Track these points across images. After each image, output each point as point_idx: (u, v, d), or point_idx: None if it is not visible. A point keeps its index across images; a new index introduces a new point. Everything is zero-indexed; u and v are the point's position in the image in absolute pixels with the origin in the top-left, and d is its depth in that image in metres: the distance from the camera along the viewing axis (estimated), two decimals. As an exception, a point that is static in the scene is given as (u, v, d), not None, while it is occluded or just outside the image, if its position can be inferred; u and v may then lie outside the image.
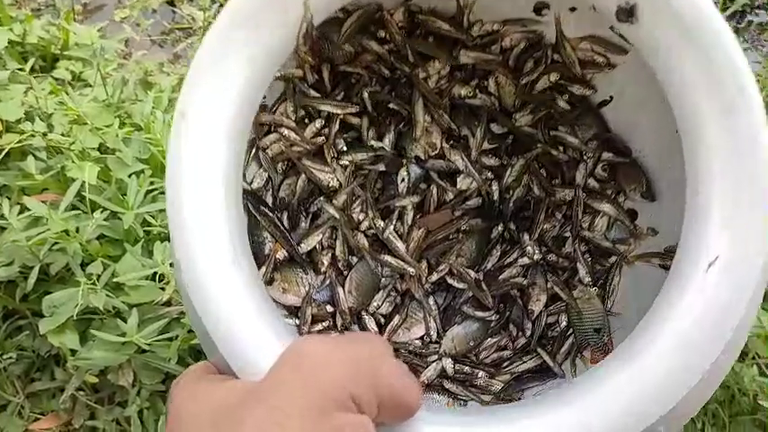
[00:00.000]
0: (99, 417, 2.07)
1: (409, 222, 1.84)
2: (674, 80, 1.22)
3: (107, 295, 1.94)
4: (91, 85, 2.44)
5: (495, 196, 1.86)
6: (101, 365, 1.98)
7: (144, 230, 2.03)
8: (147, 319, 1.95)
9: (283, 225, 1.85)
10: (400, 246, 1.83)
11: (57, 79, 2.48)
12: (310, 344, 0.90)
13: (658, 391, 1.07)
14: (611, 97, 1.85)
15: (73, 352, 1.95)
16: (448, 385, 1.83)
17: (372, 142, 1.84)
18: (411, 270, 1.81)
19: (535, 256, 1.88)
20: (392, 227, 1.82)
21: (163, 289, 1.95)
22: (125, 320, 1.96)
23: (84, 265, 2.02)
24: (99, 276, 1.97)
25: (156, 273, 1.91)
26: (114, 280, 1.96)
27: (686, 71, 1.18)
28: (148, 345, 1.89)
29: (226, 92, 1.27)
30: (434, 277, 1.85)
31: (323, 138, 1.86)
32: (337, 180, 1.86)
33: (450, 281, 1.84)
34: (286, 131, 1.83)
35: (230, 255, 1.24)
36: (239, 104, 1.30)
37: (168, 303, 1.96)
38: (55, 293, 1.93)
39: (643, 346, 1.14)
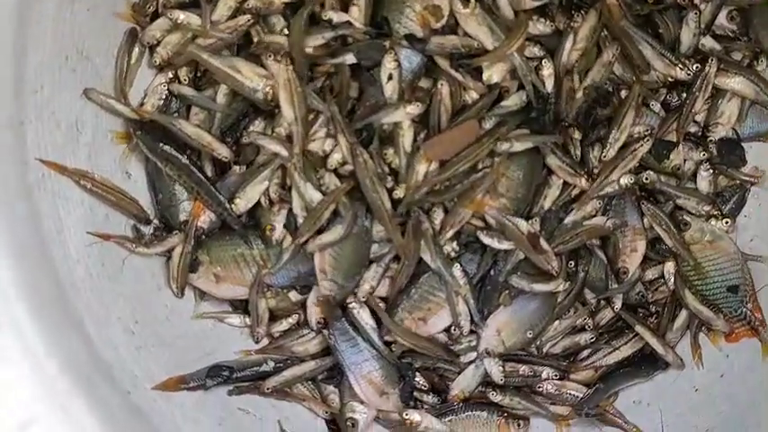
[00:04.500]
0: None
1: (407, 148, 1.20)
2: None
3: None
4: None
5: (549, 87, 1.22)
6: None
7: None
8: None
9: (203, 171, 1.24)
10: (385, 205, 1.19)
11: None
12: None
13: None
14: None
15: None
16: (497, 397, 1.28)
17: (332, 14, 1.18)
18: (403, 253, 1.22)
19: (622, 180, 1.24)
20: (371, 161, 1.18)
21: None
22: None
23: None
24: None
25: None
26: None
27: None
28: None
29: None
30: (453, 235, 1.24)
31: (248, 17, 1.19)
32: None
33: (485, 239, 1.23)
34: (182, 15, 1.18)
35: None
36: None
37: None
38: None
39: None
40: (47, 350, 0.88)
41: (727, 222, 1.23)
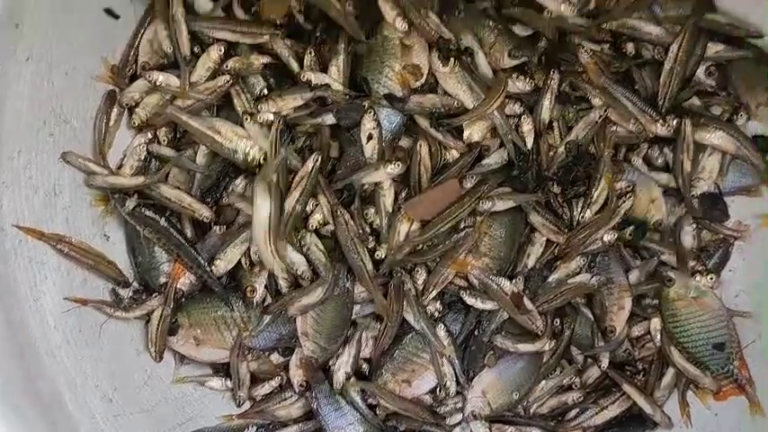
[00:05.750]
0: None
1: (389, 208, 1.19)
2: None
3: None
4: None
5: (530, 144, 1.21)
6: None
7: None
8: None
9: (182, 233, 1.21)
10: (366, 266, 1.18)
11: None
12: None
13: None
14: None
15: None
16: (484, 460, 1.24)
17: (310, 75, 1.17)
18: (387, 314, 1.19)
19: (606, 237, 1.22)
20: (352, 222, 1.16)
21: None
22: None
23: None
24: None
25: None
26: None
27: None
28: None
29: None
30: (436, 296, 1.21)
31: (227, 78, 1.18)
32: (259, 149, 1.16)
33: (468, 299, 1.21)
34: (160, 77, 1.16)
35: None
36: None
37: None
38: None
39: None
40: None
41: (711, 278, 1.20)
